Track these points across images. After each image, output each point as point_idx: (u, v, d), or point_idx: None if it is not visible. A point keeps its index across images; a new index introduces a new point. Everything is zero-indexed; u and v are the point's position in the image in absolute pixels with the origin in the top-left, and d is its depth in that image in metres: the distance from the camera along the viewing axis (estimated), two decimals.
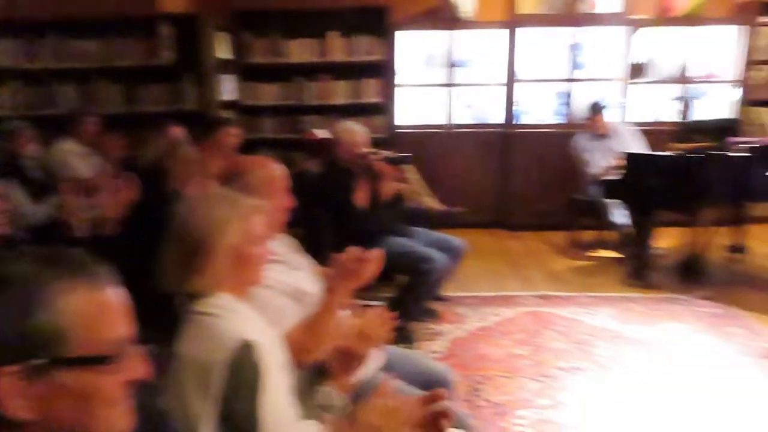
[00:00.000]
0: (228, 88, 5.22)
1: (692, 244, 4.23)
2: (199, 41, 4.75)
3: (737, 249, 4.60)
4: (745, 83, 5.43)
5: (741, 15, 5.39)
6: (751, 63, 5.39)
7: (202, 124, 3.87)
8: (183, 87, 4.79)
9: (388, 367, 1.90)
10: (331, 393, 1.40)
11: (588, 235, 5.01)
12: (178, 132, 3.78)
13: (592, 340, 3.27)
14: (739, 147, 3.78)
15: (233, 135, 3.75)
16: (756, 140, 3.91)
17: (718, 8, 5.42)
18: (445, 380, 2.02)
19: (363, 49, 5.40)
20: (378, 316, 1.51)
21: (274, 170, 1.76)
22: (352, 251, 1.67)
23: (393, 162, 3.35)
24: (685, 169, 3.80)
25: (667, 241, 4.57)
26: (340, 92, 5.48)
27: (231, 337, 1.22)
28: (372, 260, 1.69)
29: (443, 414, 1.18)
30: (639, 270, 4.09)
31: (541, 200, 5.46)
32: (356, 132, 3.40)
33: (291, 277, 1.74)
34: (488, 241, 5.19)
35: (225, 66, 5.13)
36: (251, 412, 1.21)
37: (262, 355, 1.23)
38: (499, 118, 5.65)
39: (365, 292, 2.21)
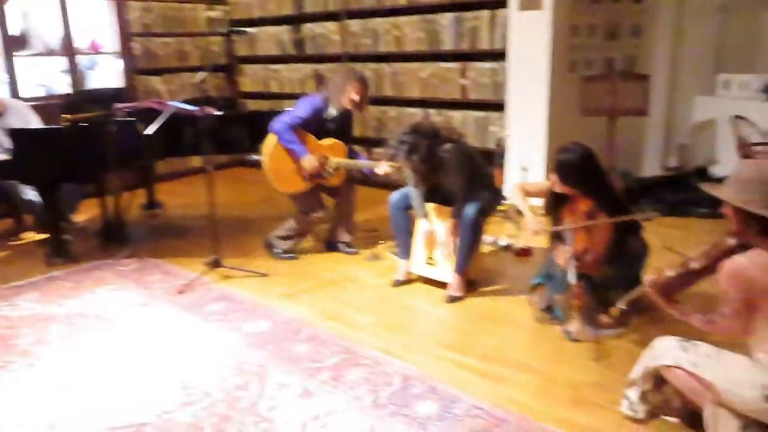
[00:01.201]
0: None
1: (109, 210, 4.41)
2: None
3: (152, 205, 5.05)
4: (127, 54, 5.82)
5: None
6: (129, 35, 5.80)
7: None
8: None
9: None
10: None
11: (4, 223, 4.59)
12: None
13: (15, 332, 3.06)
14: (124, 112, 4.06)
15: None
16: (138, 104, 4.25)
17: None
18: None
19: None
20: None
21: None
22: None
23: None
24: (78, 140, 3.86)
25: (88, 212, 4.61)
26: None
27: None
28: None
29: None
30: (61, 246, 4.02)
31: None
32: None
33: None
34: None
35: None
36: None
37: None
38: None
39: None
